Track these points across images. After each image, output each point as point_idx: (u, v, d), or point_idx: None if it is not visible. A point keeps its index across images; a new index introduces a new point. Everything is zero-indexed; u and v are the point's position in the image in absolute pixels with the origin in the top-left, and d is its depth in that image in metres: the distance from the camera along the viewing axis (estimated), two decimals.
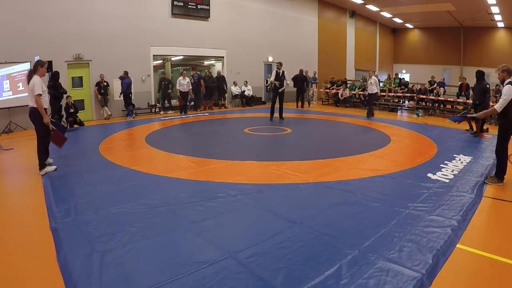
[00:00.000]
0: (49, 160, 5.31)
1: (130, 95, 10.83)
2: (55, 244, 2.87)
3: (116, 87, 10.97)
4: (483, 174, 4.80)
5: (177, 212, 3.49)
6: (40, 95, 4.73)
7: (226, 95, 14.07)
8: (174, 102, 12.91)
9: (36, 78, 4.77)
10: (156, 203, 3.72)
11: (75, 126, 9.32)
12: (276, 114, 10.18)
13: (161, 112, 12.09)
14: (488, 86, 8.01)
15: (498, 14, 16.61)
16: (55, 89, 8.33)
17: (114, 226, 3.15)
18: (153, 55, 12.20)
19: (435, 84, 12.86)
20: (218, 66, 15.12)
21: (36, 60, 5.06)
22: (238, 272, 2.41)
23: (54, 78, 8.47)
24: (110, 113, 10.79)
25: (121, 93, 10.73)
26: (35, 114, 4.81)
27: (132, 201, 3.73)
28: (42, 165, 4.95)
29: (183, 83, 11.78)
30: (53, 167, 5.09)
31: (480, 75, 7.95)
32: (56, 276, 2.41)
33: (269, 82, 10.05)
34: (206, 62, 15.83)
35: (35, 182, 4.63)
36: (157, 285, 2.26)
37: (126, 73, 10.66)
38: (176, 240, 2.91)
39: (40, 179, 4.69)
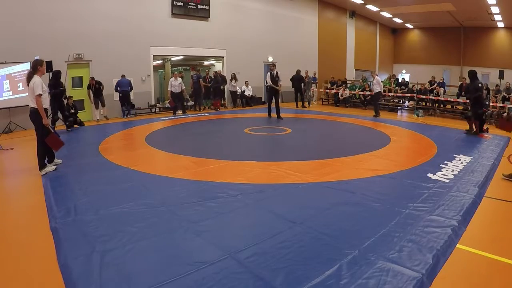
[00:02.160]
0: (57, 161, 5.32)
1: (120, 94, 10.86)
2: (55, 244, 2.87)
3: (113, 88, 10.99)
4: (483, 174, 4.81)
5: (177, 212, 3.49)
6: (40, 95, 4.72)
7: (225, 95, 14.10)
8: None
9: (36, 78, 4.76)
10: (156, 203, 3.71)
11: (75, 126, 9.32)
12: (274, 114, 10.43)
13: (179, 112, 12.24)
14: (480, 85, 8.06)
15: (498, 14, 16.60)
16: (55, 87, 8.32)
17: (114, 226, 3.15)
18: (153, 55, 12.21)
19: (435, 84, 12.87)
20: (218, 66, 15.12)
21: (36, 58, 5.04)
22: (238, 272, 2.41)
23: (56, 77, 8.45)
24: (105, 116, 10.67)
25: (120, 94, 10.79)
26: (35, 114, 4.81)
27: (132, 201, 3.73)
28: (42, 165, 4.94)
29: (175, 84, 11.54)
30: (53, 167, 5.08)
31: (472, 75, 8.04)
32: (56, 276, 2.41)
33: (267, 84, 10.69)
34: (206, 62, 15.83)
35: (35, 182, 4.63)
36: (157, 285, 2.26)
37: (123, 76, 10.81)
38: (176, 240, 2.91)
39: (40, 179, 4.69)
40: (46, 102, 4.95)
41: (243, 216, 3.46)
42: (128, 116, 11.13)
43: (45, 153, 5.05)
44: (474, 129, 8.25)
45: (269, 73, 10.41)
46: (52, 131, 5.13)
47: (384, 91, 14.38)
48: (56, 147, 5.12)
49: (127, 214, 3.42)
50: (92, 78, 10.22)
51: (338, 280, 2.31)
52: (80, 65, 10.38)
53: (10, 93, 8.76)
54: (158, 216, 3.39)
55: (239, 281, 2.31)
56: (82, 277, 2.36)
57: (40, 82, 4.77)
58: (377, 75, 12.00)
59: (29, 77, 4.81)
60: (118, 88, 10.82)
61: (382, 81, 15.34)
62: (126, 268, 2.47)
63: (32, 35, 9.07)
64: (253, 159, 5.59)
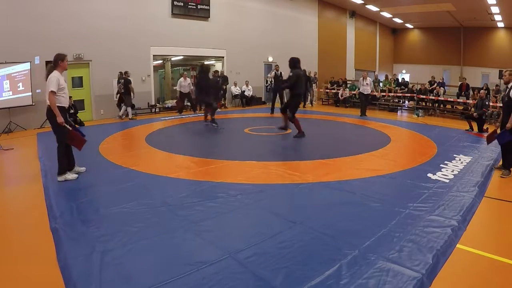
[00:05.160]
0: (79, 168, 4.86)
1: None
2: (55, 244, 2.87)
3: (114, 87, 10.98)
4: (483, 174, 4.81)
5: (177, 212, 3.49)
6: (53, 92, 4.30)
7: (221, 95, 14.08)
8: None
9: (54, 74, 4.37)
10: (156, 203, 3.71)
11: (75, 126, 9.30)
12: (275, 114, 10.81)
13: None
14: (291, 74, 6.96)
15: (498, 14, 16.60)
16: (204, 80, 8.67)
17: (114, 226, 3.15)
18: (153, 55, 12.19)
19: (435, 84, 12.87)
20: (218, 66, 15.11)
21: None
22: (238, 272, 2.41)
23: (203, 70, 8.76)
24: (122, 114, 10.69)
25: (120, 93, 10.76)
26: (51, 113, 4.36)
27: (132, 201, 3.73)
28: (61, 170, 4.51)
29: (184, 84, 11.71)
30: (75, 176, 4.61)
31: (292, 63, 7.00)
32: (56, 276, 2.41)
33: (269, 77, 12.29)
34: (206, 62, 15.82)
35: (35, 182, 4.63)
36: (157, 285, 2.26)
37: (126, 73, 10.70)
38: (176, 240, 2.91)
39: (40, 179, 4.69)
40: (64, 100, 4.47)
41: (243, 216, 3.46)
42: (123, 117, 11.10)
43: (66, 156, 4.59)
44: (474, 129, 8.22)
45: (273, 72, 11.95)
46: (71, 128, 4.61)
47: (384, 91, 14.51)
48: (79, 145, 4.72)
49: (127, 214, 3.42)
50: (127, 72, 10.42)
51: (338, 280, 2.31)
52: (80, 65, 10.37)
53: (10, 93, 8.76)
54: (158, 216, 3.39)
55: (239, 281, 2.31)
56: (82, 277, 2.36)
57: (56, 79, 4.33)
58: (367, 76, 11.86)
59: (49, 72, 4.42)
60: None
61: (381, 82, 15.46)
62: (126, 268, 2.47)
63: (32, 35, 9.06)
64: (253, 159, 5.59)
